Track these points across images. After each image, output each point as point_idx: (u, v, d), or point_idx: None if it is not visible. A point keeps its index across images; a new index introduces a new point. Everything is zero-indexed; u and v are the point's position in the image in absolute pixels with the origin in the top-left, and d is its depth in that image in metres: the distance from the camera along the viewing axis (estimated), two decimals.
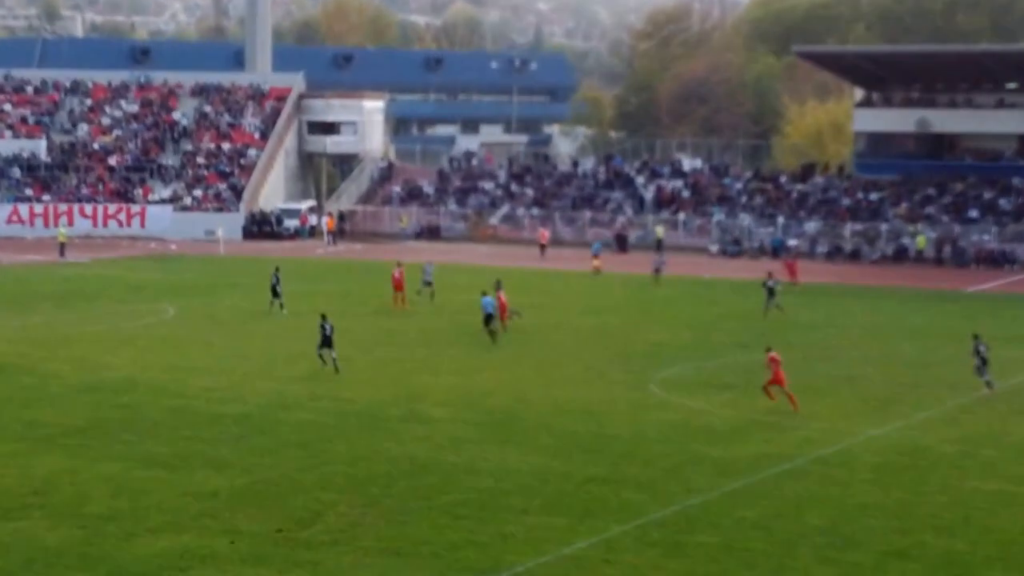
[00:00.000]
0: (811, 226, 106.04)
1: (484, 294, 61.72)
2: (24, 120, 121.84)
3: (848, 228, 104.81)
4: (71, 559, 30.37)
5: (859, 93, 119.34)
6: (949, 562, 30.86)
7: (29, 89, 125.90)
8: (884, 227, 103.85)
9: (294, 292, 70.47)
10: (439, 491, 35.86)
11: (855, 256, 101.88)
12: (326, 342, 52.70)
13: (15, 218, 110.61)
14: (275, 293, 67.53)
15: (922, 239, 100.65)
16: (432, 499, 35.15)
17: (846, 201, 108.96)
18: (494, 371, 53.67)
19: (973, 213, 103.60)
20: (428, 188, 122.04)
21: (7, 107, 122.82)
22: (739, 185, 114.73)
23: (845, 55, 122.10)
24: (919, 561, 30.99)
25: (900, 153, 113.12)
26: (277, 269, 68.42)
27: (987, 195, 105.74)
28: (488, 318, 60.46)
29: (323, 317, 53.16)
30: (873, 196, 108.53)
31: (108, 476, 36.96)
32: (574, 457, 39.72)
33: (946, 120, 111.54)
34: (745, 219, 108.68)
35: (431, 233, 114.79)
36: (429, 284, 74.76)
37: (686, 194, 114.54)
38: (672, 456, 39.92)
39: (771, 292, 70.03)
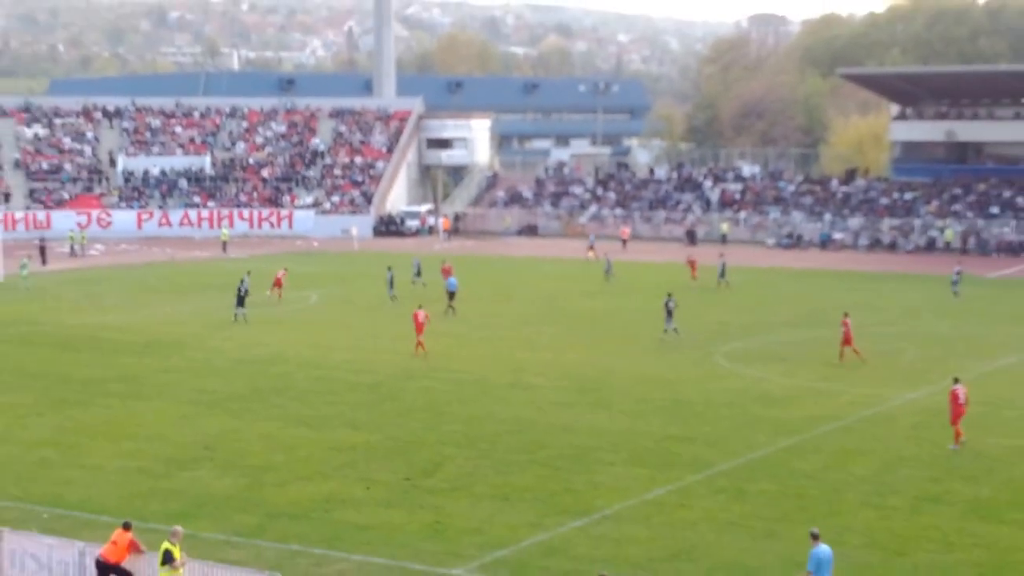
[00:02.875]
0: (854, 222, 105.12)
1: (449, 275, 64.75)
2: (192, 140, 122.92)
3: (886, 223, 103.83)
4: (236, 502, 30.83)
5: (895, 108, 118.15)
6: (975, 506, 30.72)
7: (196, 114, 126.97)
8: (917, 222, 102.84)
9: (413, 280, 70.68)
10: (540, 446, 36.02)
11: (892, 247, 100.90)
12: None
13: (186, 221, 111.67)
14: (240, 301, 60.70)
15: (950, 232, 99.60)
16: (534, 453, 35.32)
17: (884, 200, 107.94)
18: (583, 347, 53.71)
19: (994, 209, 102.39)
20: (527, 193, 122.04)
21: (178, 129, 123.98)
22: (791, 187, 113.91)
23: (883, 76, 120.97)
24: (950, 505, 30.86)
25: (931, 159, 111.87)
26: (248, 273, 65.25)
27: (1007, 194, 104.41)
28: (451, 295, 63.01)
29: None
30: (907, 196, 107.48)
31: (265, 434, 37.42)
32: (653, 418, 39.77)
33: (971, 130, 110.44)
34: (797, 216, 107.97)
35: (530, 231, 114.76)
36: (419, 276, 73.81)
37: (746, 196, 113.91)
38: (736, 417, 39.88)
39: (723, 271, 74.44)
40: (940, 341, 55.95)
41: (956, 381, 36.66)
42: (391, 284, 67.91)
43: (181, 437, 37.13)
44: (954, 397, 36.12)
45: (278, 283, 68.46)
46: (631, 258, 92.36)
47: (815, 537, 23.74)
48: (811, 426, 38.52)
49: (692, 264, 78.05)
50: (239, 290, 60.98)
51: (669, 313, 55.19)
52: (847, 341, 49.56)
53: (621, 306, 66.33)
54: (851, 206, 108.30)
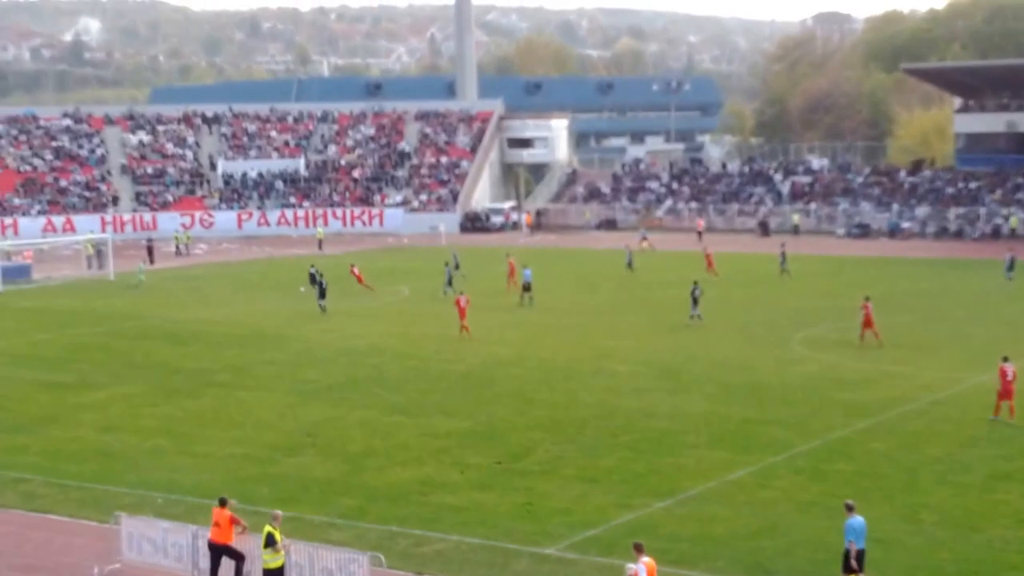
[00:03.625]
0: (921, 211, 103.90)
1: (524, 267, 64.83)
2: (286, 143, 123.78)
3: (952, 212, 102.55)
4: (338, 486, 31.05)
5: (957, 101, 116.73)
6: None
7: (289, 119, 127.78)
8: (982, 210, 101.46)
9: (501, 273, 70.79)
10: (624, 430, 35.96)
11: (959, 235, 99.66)
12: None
13: (283, 221, 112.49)
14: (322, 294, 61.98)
15: (1015, 219, 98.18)
16: (619, 437, 35.27)
17: (950, 190, 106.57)
18: (664, 334, 53.54)
19: None
20: (605, 189, 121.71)
21: (273, 133, 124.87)
22: (860, 179, 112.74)
23: (945, 70, 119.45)
24: (1021, 482, 30.47)
25: (993, 149, 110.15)
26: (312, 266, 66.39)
27: None
28: (527, 286, 63.15)
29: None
30: (972, 185, 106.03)
31: (363, 421, 37.64)
32: (732, 402, 39.58)
33: None
34: (866, 207, 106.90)
35: (608, 224, 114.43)
36: (458, 268, 73.27)
37: (815, 188, 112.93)
38: (813, 401, 39.58)
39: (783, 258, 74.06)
40: (1007, 324, 55.10)
41: (1005, 359, 36.90)
42: (449, 281, 67.34)
43: (285, 425, 37.45)
44: (1002, 374, 36.44)
45: (359, 279, 69.95)
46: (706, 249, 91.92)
47: (850, 509, 23.82)
48: (886, 408, 38.15)
49: (708, 258, 76.09)
50: (319, 284, 62.55)
51: (695, 300, 55.86)
52: (868, 324, 49.80)
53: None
54: (918, 196, 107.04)
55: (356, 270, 71.21)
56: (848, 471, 31.48)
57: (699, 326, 54.61)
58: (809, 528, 27.23)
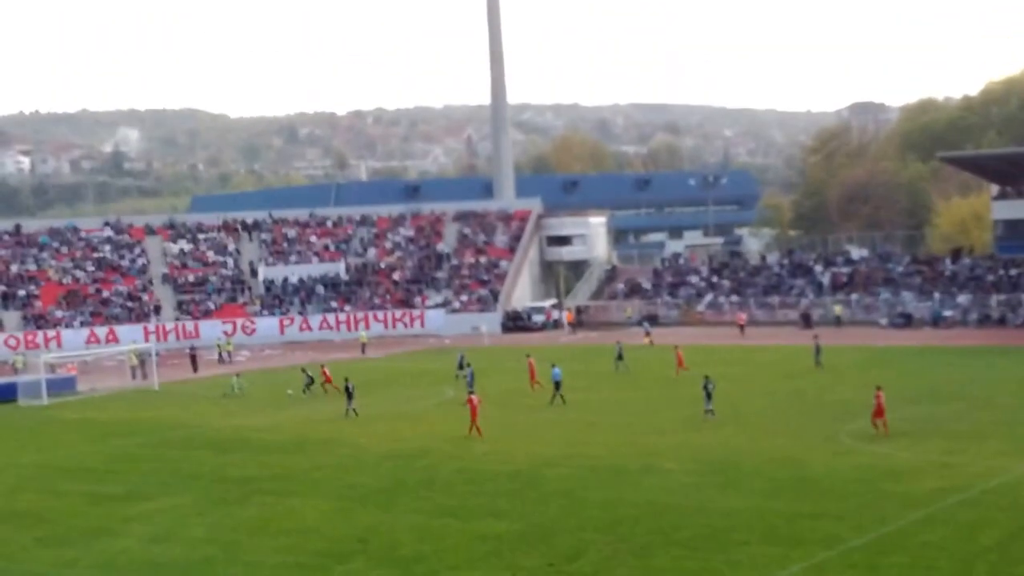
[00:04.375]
0: (963, 299, 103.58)
1: (553, 365, 64.95)
2: (327, 248, 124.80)
3: (994, 299, 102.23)
4: None
5: (995, 188, 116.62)
6: None
7: (329, 223, 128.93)
8: (1023, 297, 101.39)
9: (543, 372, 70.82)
10: (676, 528, 35.76)
11: (1002, 322, 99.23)
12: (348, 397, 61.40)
13: (325, 325, 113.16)
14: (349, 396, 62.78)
15: None
16: (670, 535, 35.07)
17: (991, 277, 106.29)
18: (710, 429, 53.36)
19: None
20: (646, 284, 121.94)
21: (313, 239, 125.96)
22: (900, 268, 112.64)
23: (981, 157, 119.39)
24: None
25: None
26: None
27: None
28: (557, 384, 63.25)
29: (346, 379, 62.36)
30: (1013, 272, 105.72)
31: (413, 525, 37.54)
32: (783, 496, 39.32)
33: None
34: (907, 296, 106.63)
35: (650, 320, 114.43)
36: (461, 368, 74.19)
37: (856, 278, 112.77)
38: (864, 493, 39.27)
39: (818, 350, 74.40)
40: None
41: None
42: (471, 382, 66.79)
43: (334, 531, 37.40)
44: None
45: (327, 379, 71.43)
46: (748, 343, 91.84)
47: None
48: (938, 499, 37.84)
49: (679, 355, 74.52)
50: (346, 388, 63.23)
51: (708, 395, 56.13)
52: (879, 414, 49.94)
53: (743, 390, 65.72)
54: (959, 284, 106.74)
55: (326, 370, 72.87)
56: (903, 563, 31.18)
57: (716, 421, 54.74)
58: None
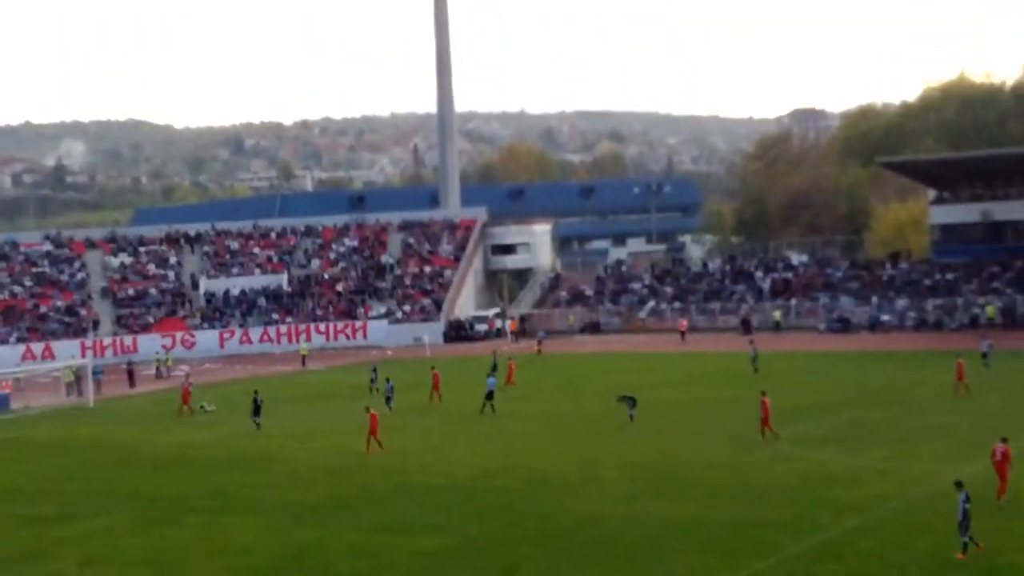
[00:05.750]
0: (900, 303, 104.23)
1: (488, 375, 65.46)
2: (269, 259, 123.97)
3: (930, 303, 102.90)
4: None
5: (932, 193, 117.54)
6: None
7: (272, 234, 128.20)
8: (959, 301, 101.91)
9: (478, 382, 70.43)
10: (615, 539, 35.47)
11: (938, 326, 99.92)
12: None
13: (265, 338, 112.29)
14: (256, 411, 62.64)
15: (991, 309, 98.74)
16: (609, 545, 34.78)
17: (927, 281, 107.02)
18: (650, 438, 53.15)
19: None
20: (588, 292, 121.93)
21: (256, 250, 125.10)
22: (839, 273, 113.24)
23: (919, 163, 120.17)
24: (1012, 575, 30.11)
25: (969, 240, 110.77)
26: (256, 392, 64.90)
27: None
28: (490, 394, 63.11)
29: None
30: (949, 276, 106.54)
31: (349, 542, 36.98)
32: (721, 505, 39.13)
33: (1005, 210, 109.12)
34: (846, 301, 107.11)
35: (592, 328, 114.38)
36: (374, 382, 74.38)
37: (795, 283, 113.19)
38: (802, 500, 39.17)
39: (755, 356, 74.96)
40: (990, 413, 54.89)
41: (1003, 440, 38.22)
42: (390, 395, 66.71)
43: (270, 549, 36.78)
44: (992, 454, 38.02)
45: (186, 395, 70.30)
46: (689, 349, 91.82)
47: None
48: (873, 505, 37.77)
49: (510, 368, 74.34)
50: (255, 402, 62.61)
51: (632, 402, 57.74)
52: (765, 420, 50.71)
53: (684, 397, 65.71)
54: (896, 288, 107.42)
55: (187, 387, 71.94)
56: (839, 571, 31.03)
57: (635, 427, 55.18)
58: None
